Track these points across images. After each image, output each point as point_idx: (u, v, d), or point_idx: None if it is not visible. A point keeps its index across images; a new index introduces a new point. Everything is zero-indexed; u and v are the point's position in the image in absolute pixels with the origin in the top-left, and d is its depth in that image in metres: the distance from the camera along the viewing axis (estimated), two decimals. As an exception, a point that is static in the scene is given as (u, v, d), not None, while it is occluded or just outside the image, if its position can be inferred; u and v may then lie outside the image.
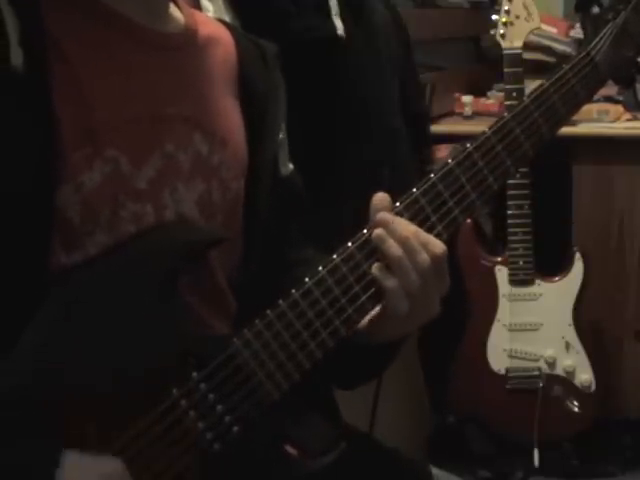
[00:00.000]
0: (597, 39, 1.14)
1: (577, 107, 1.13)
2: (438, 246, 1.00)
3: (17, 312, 0.89)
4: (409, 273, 0.98)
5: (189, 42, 1.08)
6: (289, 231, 1.18)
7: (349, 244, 1.00)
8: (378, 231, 0.99)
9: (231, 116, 1.11)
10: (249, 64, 1.15)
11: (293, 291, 0.98)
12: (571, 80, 1.12)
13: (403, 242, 0.98)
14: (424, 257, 0.98)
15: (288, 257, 1.16)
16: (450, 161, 1.05)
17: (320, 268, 0.99)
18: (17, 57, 0.91)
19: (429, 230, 1.02)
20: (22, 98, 0.91)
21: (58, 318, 0.91)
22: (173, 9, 1.09)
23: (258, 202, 1.10)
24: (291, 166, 1.20)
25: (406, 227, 0.99)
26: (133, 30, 1.02)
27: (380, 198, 1.01)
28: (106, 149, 0.95)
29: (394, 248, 0.98)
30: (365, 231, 1.01)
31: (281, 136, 1.14)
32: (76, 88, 0.95)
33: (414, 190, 1.03)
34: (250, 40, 1.19)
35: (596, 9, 1.15)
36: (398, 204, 1.02)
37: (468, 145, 1.07)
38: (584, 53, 1.14)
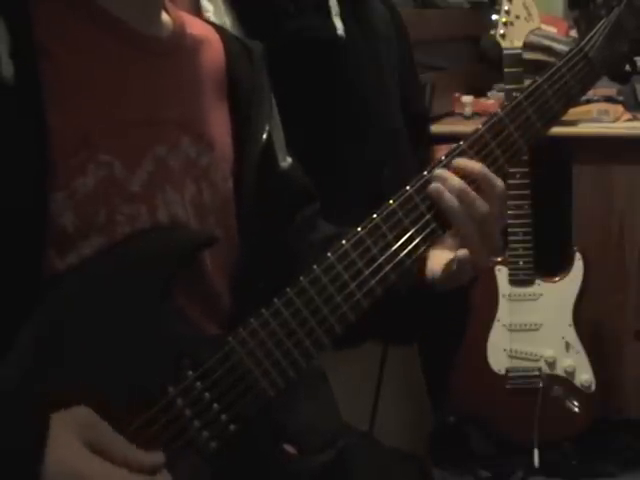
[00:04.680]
0: (590, 35, 1.14)
1: (571, 103, 1.13)
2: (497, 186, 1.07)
3: (11, 316, 0.89)
4: (467, 223, 1.04)
5: (179, 45, 1.09)
6: (295, 222, 1.20)
7: (343, 242, 1.01)
8: (435, 185, 1.04)
9: (218, 118, 1.11)
10: (236, 64, 1.15)
11: (288, 289, 0.98)
12: (565, 76, 1.12)
13: (458, 194, 1.04)
14: (481, 204, 1.05)
15: (297, 246, 1.18)
16: (444, 159, 1.06)
17: (315, 267, 1.00)
18: (8, 69, 0.91)
19: (424, 227, 1.03)
20: (14, 110, 0.91)
21: (54, 320, 0.91)
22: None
23: (247, 201, 1.11)
24: (290, 159, 1.21)
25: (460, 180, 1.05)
26: (128, 35, 1.02)
27: None
28: (100, 154, 0.96)
29: (451, 200, 1.03)
30: (359, 229, 1.02)
31: (266, 134, 1.14)
32: (69, 95, 0.95)
33: (407, 188, 1.04)
34: (237, 40, 1.20)
35: (590, 5, 1.15)
36: (391, 201, 1.03)
37: (462, 143, 1.07)
38: (577, 49, 1.14)
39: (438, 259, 1.11)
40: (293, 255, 1.18)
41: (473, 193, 1.04)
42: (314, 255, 1.03)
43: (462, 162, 1.06)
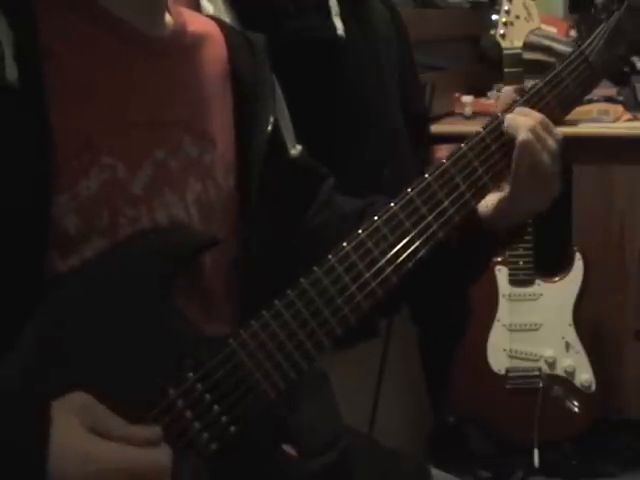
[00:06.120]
0: (590, 38, 1.15)
1: (572, 106, 1.14)
2: (559, 132, 1.10)
3: (13, 317, 0.89)
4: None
5: (180, 44, 1.08)
6: (310, 205, 1.20)
7: (344, 244, 1.01)
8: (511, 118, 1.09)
9: (221, 114, 1.11)
10: (239, 58, 1.15)
11: (289, 291, 0.98)
12: (565, 79, 1.12)
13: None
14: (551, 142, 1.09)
15: (314, 229, 1.19)
16: (445, 161, 1.06)
17: (316, 268, 1.00)
18: (12, 71, 0.91)
19: (425, 229, 1.03)
20: (17, 112, 0.91)
21: (56, 321, 0.91)
22: None
23: (252, 195, 1.11)
24: (299, 147, 1.21)
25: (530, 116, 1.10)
26: (130, 35, 1.02)
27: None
28: (103, 156, 0.96)
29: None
30: (360, 231, 1.02)
31: (270, 127, 1.14)
32: (72, 97, 0.95)
33: (409, 190, 1.04)
34: (238, 33, 1.20)
35: (590, 9, 1.16)
36: (393, 204, 1.03)
37: (463, 145, 1.07)
38: (577, 52, 1.14)
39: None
40: (310, 238, 1.18)
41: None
42: (334, 235, 1.04)
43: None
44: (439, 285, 1.21)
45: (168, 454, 0.88)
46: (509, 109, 1.11)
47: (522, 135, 1.08)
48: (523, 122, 1.09)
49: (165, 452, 0.88)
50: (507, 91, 2.33)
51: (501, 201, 1.12)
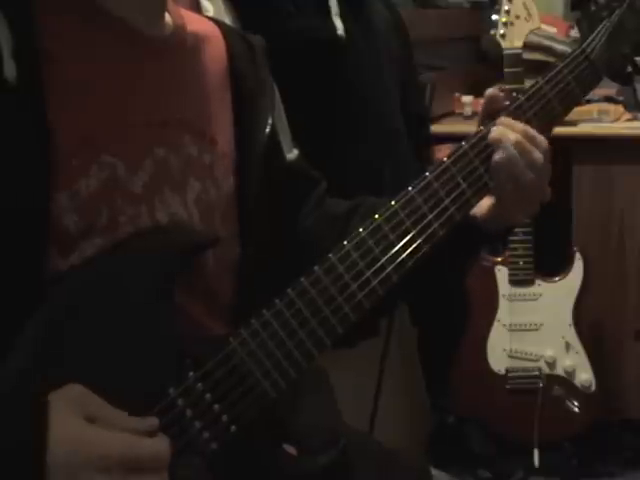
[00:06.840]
0: (592, 36, 1.15)
1: (573, 104, 1.14)
2: (544, 141, 1.10)
3: (12, 316, 0.89)
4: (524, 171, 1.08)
5: (180, 44, 1.09)
6: (303, 208, 1.21)
7: (345, 242, 1.01)
8: (496, 132, 1.08)
9: (221, 114, 1.12)
10: (238, 58, 1.16)
11: (289, 290, 0.98)
12: (566, 77, 1.12)
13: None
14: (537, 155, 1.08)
15: (307, 231, 1.20)
16: (446, 160, 1.06)
17: (316, 268, 1.00)
18: (10, 70, 0.91)
19: (426, 228, 1.04)
20: (16, 111, 0.91)
21: (55, 320, 0.91)
22: None
23: (251, 196, 1.11)
24: (296, 151, 1.21)
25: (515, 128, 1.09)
26: (130, 35, 1.02)
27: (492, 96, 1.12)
28: (102, 155, 0.96)
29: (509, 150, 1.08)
30: (361, 229, 1.02)
31: (269, 128, 1.14)
32: (71, 96, 0.96)
33: (410, 189, 1.04)
34: (238, 34, 1.21)
35: (592, 7, 1.16)
36: (393, 202, 1.03)
37: (463, 143, 1.07)
38: (579, 50, 1.14)
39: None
40: (302, 239, 1.19)
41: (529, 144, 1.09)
42: (325, 236, 1.06)
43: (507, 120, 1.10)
44: (428, 277, 1.22)
45: (167, 444, 0.88)
46: (510, 107, 1.11)
47: (505, 152, 1.08)
48: (507, 136, 1.09)
49: (164, 442, 0.88)
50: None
51: (491, 207, 1.13)
